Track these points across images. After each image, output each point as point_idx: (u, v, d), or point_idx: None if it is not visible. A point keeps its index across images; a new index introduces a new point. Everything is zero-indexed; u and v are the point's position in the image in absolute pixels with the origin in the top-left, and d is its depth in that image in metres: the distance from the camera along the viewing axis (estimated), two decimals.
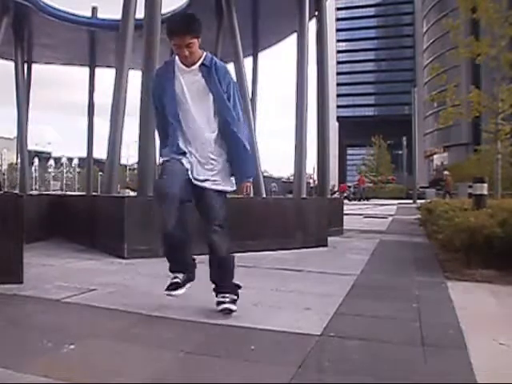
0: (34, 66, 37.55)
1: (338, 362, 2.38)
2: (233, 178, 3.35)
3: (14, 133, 38.12)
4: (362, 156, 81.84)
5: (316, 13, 22.49)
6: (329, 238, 7.40)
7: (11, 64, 33.44)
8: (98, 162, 45.44)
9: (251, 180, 3.51)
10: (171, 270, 3.39)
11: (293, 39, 24.58)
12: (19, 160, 35.35)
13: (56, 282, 4.22)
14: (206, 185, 3.22)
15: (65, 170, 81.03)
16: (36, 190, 60.60)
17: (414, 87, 40.71)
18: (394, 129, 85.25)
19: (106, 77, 30.32)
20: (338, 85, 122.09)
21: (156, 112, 3.44)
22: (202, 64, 3.25)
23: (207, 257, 3.34)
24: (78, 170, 78.50)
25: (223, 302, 3.19)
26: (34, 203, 7.54)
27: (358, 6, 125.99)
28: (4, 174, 71.74)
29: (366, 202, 36.13)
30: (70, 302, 3.54)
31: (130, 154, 65.78)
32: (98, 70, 36.87)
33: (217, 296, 3.25)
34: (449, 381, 2.19)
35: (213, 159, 3.25)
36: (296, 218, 7.03)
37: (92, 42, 34.92)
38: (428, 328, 2.95)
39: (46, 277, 4.48)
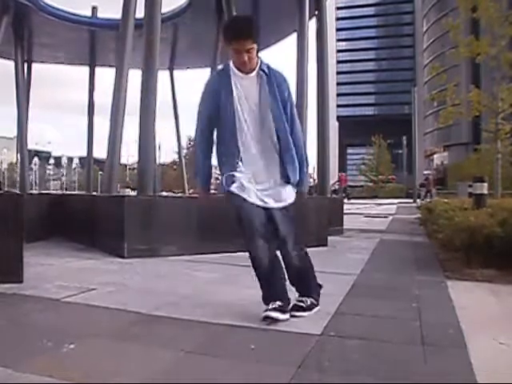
0: (34, 65, 37.56)
1: (338, 362, 2.38)
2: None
3: (13, 132, 38.09)
4: (362, 155, 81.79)
5: (316, 12, 22.45)
6: (329, 238, 7.40)
7: (11, 63, 33.43)
8: (98, 161, 45.45)
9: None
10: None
11: (293, 38, 24.54)
12: (19, 159, 35.35)
13: (56, 281, 4.22)
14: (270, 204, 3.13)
15: (65, 170, 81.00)
16: (36, 189, 60.57)
17: (414, 86, 40.71)
18: (394, 128, 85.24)
19: (106, 76, 30.30)
20: (338, 84, 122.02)
21: (206, 120, 3.24)
22: (261, 69, 3.13)
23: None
24: (78, 169, 78.46)
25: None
26: (34, 202, 7.54)
27: (358, 5, 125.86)
28: (4, 173, 71.72)
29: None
30: (70, 301, 3.53)
31: (130, 154, 65.74)
32: (98, 69, 36.87)
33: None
34: (449, 380, 2.19)
35: (268, 180, 3.15)
36: (296, 218, 7.01)
37: (92, 42, 34.93)
38: (428, 327, 2.94)
39: (45, 276, 4.48)
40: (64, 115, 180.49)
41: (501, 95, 14.98)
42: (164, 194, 33.82)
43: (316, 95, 21.45)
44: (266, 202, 3.11)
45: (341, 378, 2.18)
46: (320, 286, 3.34)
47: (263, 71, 3.14)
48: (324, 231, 7.38)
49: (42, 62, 38.45)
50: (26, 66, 35.61)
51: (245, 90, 3.12)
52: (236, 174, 3.10)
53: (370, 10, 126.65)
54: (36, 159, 70.46)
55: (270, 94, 3.12)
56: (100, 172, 54.63)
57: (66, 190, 68.82)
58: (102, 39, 33.53)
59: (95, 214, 7.13)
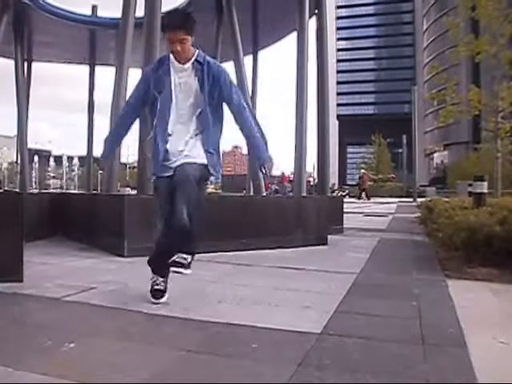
0: (34, 64, 37.57)
1: (338, 361, 2.38)
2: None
3: (13, 131, 38.11)
4: (362, 154, 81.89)
5: (316, 11, 22.49)
6: (329, 237, 7.40)
7: (11, 62, 33.44)
8: (98, 160, 45.45)
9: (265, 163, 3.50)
10: (157, 272, 3.48)
11: (293, 38, 24.54)
12: (19, 158, 35.37)
13: (56, 280, 4.22)
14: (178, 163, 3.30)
15: (65, 169, 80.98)
16: (36, 188, 60.57)
17: (414, 85, 40.62)
18: (394, 127, 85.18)
19: (106, 75, 30.30)
20: (338, 83, 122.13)
21: (135, 100, 3.52)
22: (196, 60, 3.32)
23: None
24: (78, 168, 78.45)
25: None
26: (34, 201, 7.54)
27: (358, 4, 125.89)
28: (4, 173, 71.73)
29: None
30: (70, 300, 3.54)
31: (129, 153, 65.76)
32: (98, 68, 36.89)
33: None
34: (449, 380, 2.19)
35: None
36: (296, 217, 7.03)
37: (92, 41, 34.96)
38: (428, 326, 2.95)
39: (46, 275, 4.48)
40: (64, 114, 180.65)
41: (501, 94, 14.97)
42: None
43: (316, 94, 21.48)
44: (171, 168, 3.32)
45: (341, 376, 2.19)
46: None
47: (198, 62, 3.32)
48: (324, 230, 7.38)
49: (41, 60, 38.47)
50: (25, 64, 35.62)
51: (178, 80, 3.32)
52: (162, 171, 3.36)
53: (370, 9, 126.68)
54: (36, 158, 70.48)
55: (202, 84, 3.30)
56: (100, 171, 54.62)
57: (66, 188, 68.79)
58: (102, 38, 33.57)
59: (95, 213, 7.13)
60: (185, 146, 3.33)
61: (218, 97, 3.36)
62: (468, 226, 5.10)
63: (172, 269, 3.23)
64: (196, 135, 3.36)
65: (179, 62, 3.31)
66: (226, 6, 26.53)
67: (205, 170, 3.33)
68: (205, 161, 3.32)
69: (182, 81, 3.32)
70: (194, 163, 3.25)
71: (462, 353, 2.48)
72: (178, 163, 3.28)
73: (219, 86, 3.34)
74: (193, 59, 3.32)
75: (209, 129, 3.37)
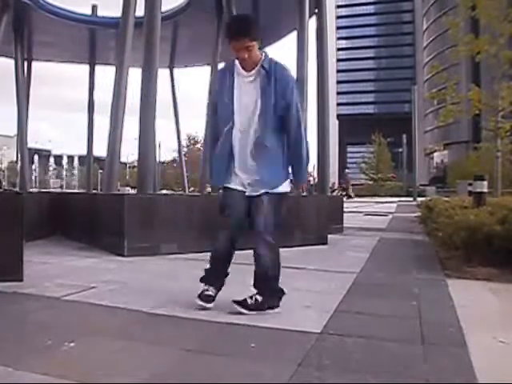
0: (34, 64, 37.55)
1: (338, 360, 2.38)
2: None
3: (13, 130, 38.12)
4: (362, 154, 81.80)
5: (316, 10, 22.45)
6: (329, 236, 7.40)
7: (11, 62, 33.42)
8: (98, 159, 45.45)
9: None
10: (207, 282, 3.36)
11: (293, 37, 24.52)
12: (19, 158, 35.36)
13: (56, 279, 4.22)
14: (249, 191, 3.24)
15: (65, 168, 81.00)
16: (36, 187, 60.59)
17: (414, 85, 40.65)
18: (394, 126, 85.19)
19: (106, 74, 30.30)
20: (338, 82, 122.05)
21: (212, 114, 3.42)
22: (262, 67, 3.19)
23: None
24: (78, 167, 78.47)
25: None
26: (34, 201, 7.53)
27: (358, 3, 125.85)
28: (4, 172, 71.73)
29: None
30: (70, 299, 3.54)
31: (129, 152, 65.69)
32: (98, 68, 36.88)
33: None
34: (449, 379, 2.19)
35: (253, 172, 3.23)
36: (296, 216, 7.02)
37: (92, 40, 34.92)
38: (428, 326, 2.95)
39: (46, 274, 4.48)
40: (64, 113, 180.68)
41: (501, 93, 14.98)
42: (164, 192, 33.80)
43: (316, 93, 21.44)
44: (246, 189, 3.24)
45: (341, 376, 2.19)
46: (282, 292, 3.31)
47: (264, 67, 3.18)
48: (324, 229, 7.38)
49: (41, 60, 38.45)
50: (25, 64, 35.59)
51: (243, 87, 3.21)
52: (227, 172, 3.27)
53: (370, 9, 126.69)
54: (36, 158, 70.48)
55: (266, 91, 3.17)
56: (100, 170, 54.63)
57: (66, 188, 68.78)
58: (102, 37, 33.53)
59: (95, 212, 7.13)
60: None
61: (280, 102, 3.20)
62: (468, 225, 5.10)
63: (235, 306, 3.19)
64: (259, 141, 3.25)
65: (245, 69, 3.21)
66: (225, 6, 26.50)
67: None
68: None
69: (246, 87, 3.21)
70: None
71: (462, 352, 2.48)
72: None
73: (282, 91, 3.19)
74: (259, 65, 3.19)
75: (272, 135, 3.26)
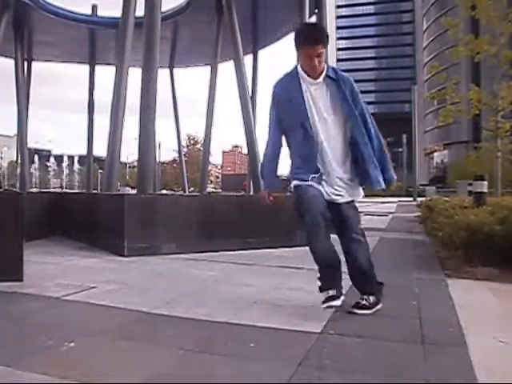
0: (34, 64, 37.57)
1: (338, 360, 2.37)
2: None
3: (13, 130, 38.12)
4: None
5: (316, 10, 22.49)
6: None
7: (11, 61, 33.43)
8: (98, 159, 45.47)
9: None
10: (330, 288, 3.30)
11: (293, 37, 24.52)
12: (19, 158, 35.38)
13: (56, 279, 4.22)
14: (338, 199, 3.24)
15: (65, 168, 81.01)
16: (36, 187, 60.59)
17: (414, 85, 40.66)
18: (394, 126, 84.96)
19: (106, 74, 30.31)
20: None
21: (277, 123, 3.33)
22: (327, 76, 3.21)
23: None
24: (78, 167, 78.48)
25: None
26: (34, 201, 7.54)
27: (358, 3, 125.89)
28: (4, 172, 71.73)
29: None
30: (70, 299, 3.54)
31: (129, 152, 65.71)
32: (98, 68, 36.89)
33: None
34: (449, 379, 2.19)
35: (340, 179, 3.24)
36: (297, 216, 7.02)
37: (92, 40, 34.94)
38: (428, 326, 2.94)
39: (46, 274, 4.48)
40: (64, 113, 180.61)
41: (501, 93, 14.97)
42: (164, 192, 33.82)
43: None
44: (334, 197, 3.24)
45: (340, 376, 2.19)
46: (381, 284, 3.40)
47: (330, 76, 3.21)
48: None
49: (41, 60, 38.46)
50: (26, 64, 35.62)
51: (314, 95, 3.21)
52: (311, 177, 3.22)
53: (370, 9, 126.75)
54: (36, 158, 70.49)
55: (341, 98, 3.20)
56: (100, 170, 54.68)
57: (66, 188, 68.79)
58: (102, 37, 33.55)
59: (95, 212, 7.13)
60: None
61: (353, 105, 3.23)
62: (468, 225, 5.10)
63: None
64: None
65: (311, 77, 3.21)
66: (225, 6, 26.49)
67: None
68: None
69: (317, 95, 3.20)
70: None
71: (462, 352, 2.48)
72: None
73: (353, 95, 3.24)
74: (324, 73, 3.21)
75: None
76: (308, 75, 3.21)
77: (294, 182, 3.28)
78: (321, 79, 3.21)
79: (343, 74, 3.30)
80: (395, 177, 3.46)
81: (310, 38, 3.15)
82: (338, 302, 3.20)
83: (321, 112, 3.20)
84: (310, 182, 3.20)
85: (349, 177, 3.26)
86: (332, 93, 3.20)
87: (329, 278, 3.27)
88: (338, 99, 3.20)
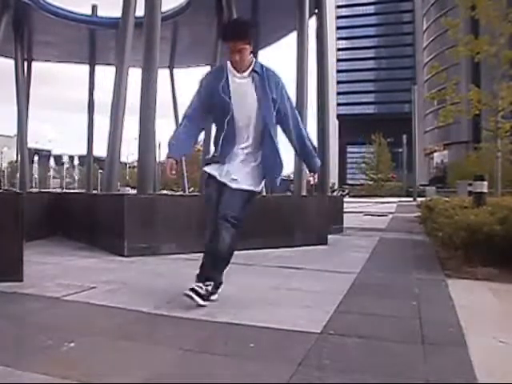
0: (34, 64, 37.54)
1: (338, 361, 2.37)
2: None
3: (13, 130, 38.13)
4: (362, 154, 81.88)
5: (316, 10, 22.47)
6: (329, 236, 7.40)
7: (11, 62, 33.41)
8: (98, 159, 45.46)
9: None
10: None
11: (293, 37, 24.52)
12: (19, 158, 35.36)
13: (56, 279, 4.22)
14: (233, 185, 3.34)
15: (65, 168, 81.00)
16: (36, 187, 60.58)
17: (414, 85, 40.70)
18: (394, 127, 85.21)
19: (106, 74, 30.32)
20: (338, 82, 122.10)
21: (199, 108, 3.46)
22: (253, 70, 3.38)
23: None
24: (78, 167, 78.48)
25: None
26: (34, 201, 7.53)
27: (358, 3, 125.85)
28: (4, 172, 71.73)
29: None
30: (70, 299, 3.53)
31: (129, 152, 65.67)
32: (98, 68, 36.86)
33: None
34: (449, 379, 2.19)
35: (245, 161, 3.40)
36: (296, 216, 7.03)
37: (92, 40, 34.91)
38: (428, 326, 2.95)
39: (46, 274, 4.48)
40: (64, 113, 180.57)
41: (501, 93, 14.98)
42: (164, 192, 33.78)
43: (316, 94, 21.46)
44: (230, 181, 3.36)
45: (340, 376, 2.19)
46: (220, 283, 3.47)
47: (256, 71, 3.39)
48: (324, 230, 7.38)
49: (41, 60, 38.44)
50: (25, 64, 35.58)
51: (239, 87, 3.37)
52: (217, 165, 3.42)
53: (370, 9, 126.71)
54: (36, 158, 70.47)
55: (262, 93, 3.36)
56: (100, 170, 54.65)
57: (66, 188, 68.79)
58: (102, 38, 33.52)
59: (95, 212, 7.13)
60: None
61: (276, 105, 3.41)
62: (468, 225, 5.10)
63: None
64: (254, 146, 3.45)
65: (237, 71, 3.38)
66: (225, 6, 26.50)
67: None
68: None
69: (242, 89, 3.36)
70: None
71: (462, 352, 2.48)
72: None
73: (277, 94, 3.41)
74: (250, 68, 3.38)
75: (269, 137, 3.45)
76: (235, 69, 3.38)
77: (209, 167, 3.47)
78: (246, 73, 3.38)
79: (272, 71, 3.47)
80: (318, 166, 3.64)
81: (230, 34, 3.34)
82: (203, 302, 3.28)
83: (243, 103, 3.35)
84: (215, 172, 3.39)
85: (255, 165, 3.41)
86: (256, 87, 3.36)
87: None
88: (260, 93, 3.34)
